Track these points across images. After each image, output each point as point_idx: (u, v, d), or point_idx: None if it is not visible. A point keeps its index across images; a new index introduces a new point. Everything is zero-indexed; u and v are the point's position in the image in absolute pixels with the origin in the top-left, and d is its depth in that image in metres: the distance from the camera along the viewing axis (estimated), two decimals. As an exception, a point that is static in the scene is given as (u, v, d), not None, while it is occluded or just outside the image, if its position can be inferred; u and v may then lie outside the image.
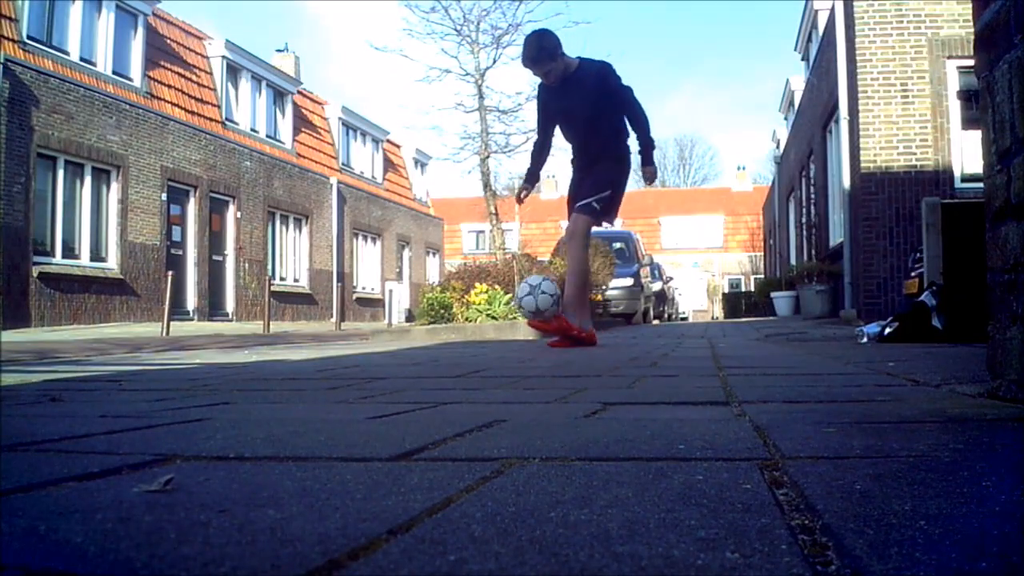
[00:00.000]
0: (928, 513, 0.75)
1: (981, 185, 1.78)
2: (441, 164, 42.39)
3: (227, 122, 17.25)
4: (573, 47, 5.10)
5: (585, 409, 1.70)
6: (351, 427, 1.47)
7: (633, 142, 4.94)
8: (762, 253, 30.97)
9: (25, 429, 1.46)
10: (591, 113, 4.80)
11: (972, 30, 1.80)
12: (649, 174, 5.02)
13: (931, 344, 4.43)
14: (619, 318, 12.67)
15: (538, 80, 4.96)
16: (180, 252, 15.06)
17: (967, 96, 8.76)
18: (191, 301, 15.22)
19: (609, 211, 4.93)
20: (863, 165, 8.97)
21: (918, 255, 6.45)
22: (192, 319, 14.87)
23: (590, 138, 4.88)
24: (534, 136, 5.31)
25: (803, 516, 0.76)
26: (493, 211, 13.15)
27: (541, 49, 4.69)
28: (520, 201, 5.41)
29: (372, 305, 22.15)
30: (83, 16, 13.40)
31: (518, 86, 33.77)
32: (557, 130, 5.07)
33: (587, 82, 4.78)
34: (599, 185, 4.82)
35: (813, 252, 13.45)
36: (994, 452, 1.12)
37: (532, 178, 5.22)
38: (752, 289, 30.48)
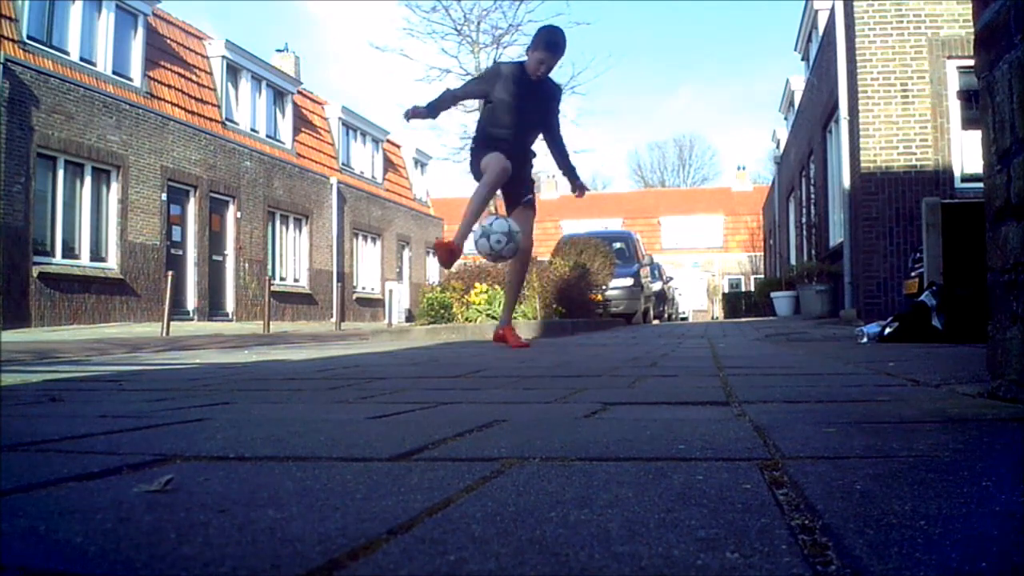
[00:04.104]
0: (928, 513, 0.75)
1: (981, 185, 1.78)
2: (441, 164, 42.40)
3: (227, 122, 17.25)
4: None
5: (585, 409, 1.70)
6: (351, 427, 1.47)
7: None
8: (762, 253, 30.97)
9: (25, 429, 1.46)
10: (539, 119, 5.00)
11: (972, 30, 1.79)
12: (581, 188, 5.33)
13: (931, 344, 4.43)
14: (619, 318, 12.68)
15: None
16: (180, 252, 15.06)
17: (967, 96, 8.76)
18: (191, 301, 15.23)
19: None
20: (863, 165, 8.97)
21: (918, 255, 6.46)
22: (192, 319, 14.87)
23: (527, 140, 5.05)
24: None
25: (803, 516, 0.76)
26: (493, 211, 13.15)
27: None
28: (409, 117, 4.93)
29: (372, 305, 22.15)
30: (83, 16, 13.40)
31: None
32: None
33: (550, 92, 5.05)
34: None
35: (813, 252, 13.45)
36: (994, 452, 1.12)
37: (434, 113, 4.93)
38: (752, 289, 30.48)
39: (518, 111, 4.86)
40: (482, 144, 4.97)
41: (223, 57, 17.28)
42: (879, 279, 8.91)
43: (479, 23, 13.34)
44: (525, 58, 4.91)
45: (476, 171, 4.95)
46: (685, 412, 1.62)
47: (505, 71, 4.91)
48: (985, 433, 1.26)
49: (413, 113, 4.94)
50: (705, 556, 0.63)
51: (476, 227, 4.80)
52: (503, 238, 4.63)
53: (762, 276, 27.81)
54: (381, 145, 24.75)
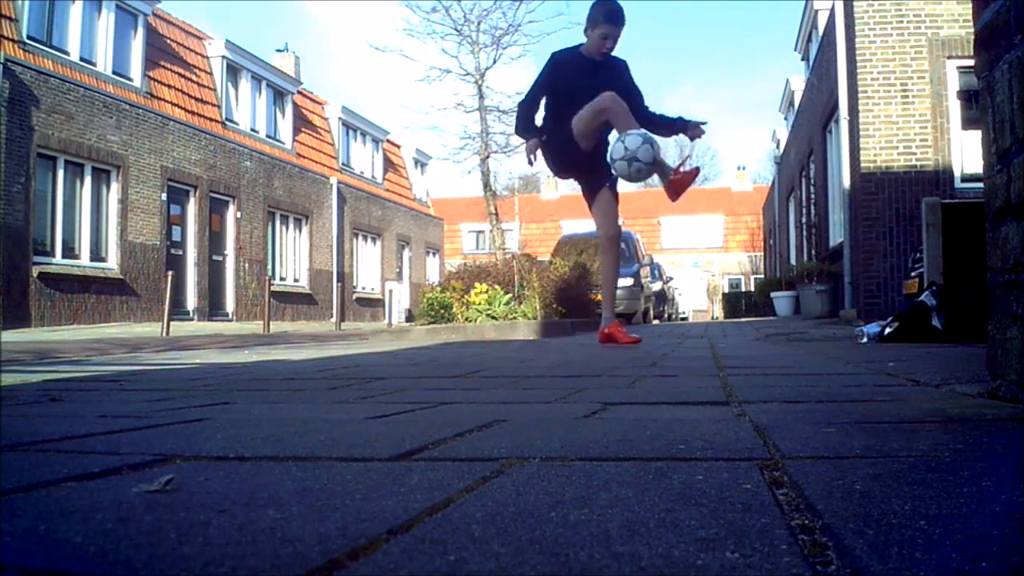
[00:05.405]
0: (928, 513, 0.75)
1: (981, 185, 1.78)
2: (441, 164, 42.44)
3: (227, 122, 17.25)
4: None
5: (585, 409, 1.70)
6: (351, 427, 1.47)
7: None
8: (762, 253, 30.98)
9: (25, 429, 1.46)
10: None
11: (972, 30, 1.79)
12: (695, 127, 4.76)
13: (931, 344, 4.43)
14: (619, 318, 12.67)
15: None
16: (180, 252, 15.07)
17: (967, 96, 8.76)
18: (191, 301, 15.23)
19: None
20: (863, 165, 8.97)
21: (918, 255, 6.46)
22: (192, 319, 14.87)
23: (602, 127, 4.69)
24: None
25: (803, 516, 0.76)
26: (493, 211, 13.18)
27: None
28: (532, 154, 4.83)
29: (372, 305, 22.15)
30: (83, 16, 13.41)
31: (518, 86, 33.88)
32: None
33: (618, 66, 4.78)
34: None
35: (813, 252, 13.45)
36: (994, 452, 1.12)
37: (534, 128, 4.78)
38: (752, 289, 30.50)
39: (586, 95, 4.53)
40: (552, 136, 4.70)
41: (223, 57, 17.28)
42: (879, 279, 8.91)
43: (479, 23, 13.34)
44: (583, 40, 4.69)
45: (552, 168, 4.87)
46: (685, 412, 1.62)
47: (565, 58, 4.69)
48: (985, 433, 1.26)
49: (532, 151, 4.77)
50: (705, 556, 0.63)
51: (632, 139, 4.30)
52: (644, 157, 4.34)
53: (762, 276, 27.82)
54: (381, 145, 24.75)
